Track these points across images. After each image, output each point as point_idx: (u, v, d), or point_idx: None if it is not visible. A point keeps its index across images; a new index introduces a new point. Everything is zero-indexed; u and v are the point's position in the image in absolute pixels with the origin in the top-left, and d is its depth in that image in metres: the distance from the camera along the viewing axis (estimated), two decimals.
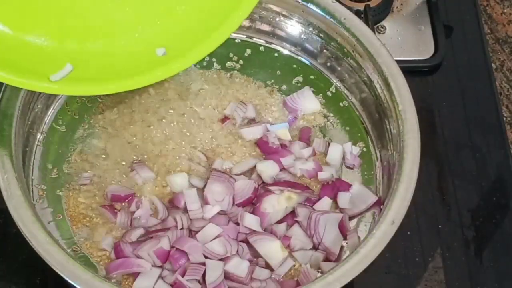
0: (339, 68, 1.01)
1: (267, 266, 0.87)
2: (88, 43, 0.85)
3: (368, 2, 1.10)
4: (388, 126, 0.93)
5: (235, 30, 0.84)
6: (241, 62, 1.03)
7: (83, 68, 0.84)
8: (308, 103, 0.99)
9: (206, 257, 0.86)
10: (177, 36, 0.85)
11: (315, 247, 0.89)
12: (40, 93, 0.94)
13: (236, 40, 1.04)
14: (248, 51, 1.03)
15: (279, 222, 0.90)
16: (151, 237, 0.87)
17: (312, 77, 1.02)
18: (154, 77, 0.83)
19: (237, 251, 0.87)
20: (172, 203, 0.90)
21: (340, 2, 0.98)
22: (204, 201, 0.90)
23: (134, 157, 0.94)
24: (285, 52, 1.03)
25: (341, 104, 1.00)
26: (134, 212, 0.90)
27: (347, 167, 0.95)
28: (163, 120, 0.97)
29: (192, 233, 0.88)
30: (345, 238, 0.89)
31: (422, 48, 1.10)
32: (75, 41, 0.85)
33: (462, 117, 1.06)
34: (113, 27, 0.86)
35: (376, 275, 0.93)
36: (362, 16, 1.07)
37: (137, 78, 0.83)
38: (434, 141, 1.04)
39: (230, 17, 0.83)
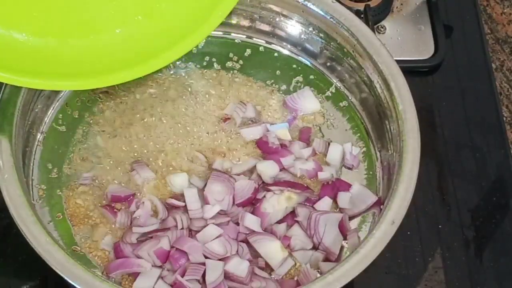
0: (339, 68, 1.01)
1: (267, 266, 0.87)
2: (69, 39, 0.85)
3: (368, 2, 1.10)
4: (388, 126, 0.93)
5: (217, 26, 0.84)
6: (241, 62, 1.03)
7: (66, 64, 0.84)
8: (308, 103, 0.99)
9: (206, 257, 0.86)
10: (159, 32, 0.86)
11: (315, 247, 0.89)
12: (40, 93, 0.94)
13: (236, 40, 1.04)
14: (248, 51, 1.03)
15: (279, 222, 0.90)
16: (151, 237, 0.87)
17: (312, 77, 1.02)
18: (135, 73, 0.84)
19: (237, 251, 0.87)
20: (172, 203, 0.90)
21: (340, 2, 0.98)
22: (204, 201, 0.90)
23: (134, 157, 0.94)
24: (285, 52, 1.03)
25: (341, 104, 1.00)
26: (134, 212, 0.90)
27: (346, 167, 0.95)
28: (163, 120, 0.97)
29: (192, 233, 0.88)
30: (345, 238, 0.89)
31: (422, 48, 1.10)
32: (56, 38, 0.85)
33: (462, 117, 1.06)
34: (95, 24, 0.86)
35: (376, 275, 0.93)
36: (362, 16, 1.07)
37: (118, 74, 0.84)
38: (434, 141, 1.04)
39: (212, 13, 0.84)
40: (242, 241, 0.88)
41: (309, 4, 0.98)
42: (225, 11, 0.84)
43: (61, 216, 0.90)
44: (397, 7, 1.14)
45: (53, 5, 0.85)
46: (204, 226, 0.88)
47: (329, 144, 0.96)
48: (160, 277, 0.85)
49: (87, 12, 0.86)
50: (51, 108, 0.96)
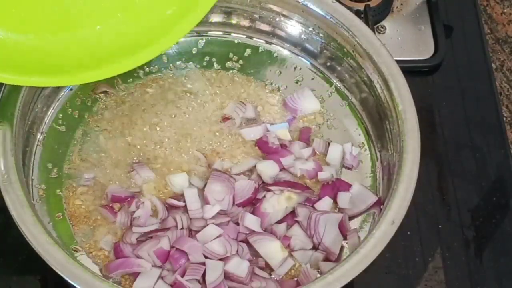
0: (339, 68, 1.01)
1: (267, 266, 0.87)
2: (49, 35, 0.85)
3: (368, 2, 1.10)
4: (388, 126, 0.93)
5: (197, 23, 0.84)
6: (241, 62, 1.03)
7: (47, 61, 0.84)
8: (308, 103, 0.99)
9: (206, 257, 0.86)
10: (138, 29, 0.86)
11: (315, 247, 0.89)
12: (40, 93, 0.94)
13: (236, 40, 1.04)
14: (248, 51, 1.03)
15: (279, 222, 0.90)
16: (151, 237, 0.87)
17: (312, 77, 1.02)
18: (116, 69, 0.84)
19: (237, 251, 0.87)
20: (172, 203, 0.90)
21: (340, 2, 0.98)
22: (204, 201, 0.90)
23: (134, 157, 0.94)
24: (285, 52, 1.03)
25: (341, 104, 1.00)
26: (134, 212, 0.90)
27: (345, 167, 0.95)
28: (163, 120, 0.97)
29: (192, 233, 0.88)
30: (345, 238, 0.89)
31: (422, 48, 1.10)
32: (35, 34, 0.85)
33: (462, 117, 1.06)
34: (74, 21, 0.86)
35: (376, 275, 0.93)
36: (362, 16, 1.07)
37: (98, 70, 0.84)
38: (434, 141, 1.04)
39: (191, 11, 0.84)
40: (242, 241, 0.88)
41: (309, 4, 0.98)
42: (204, 9, 0.84)
43: (61, 216, 0.90)
44: (397, 7, 1.14)
45: (30, 3, 0.85)
46: (204, 226, 0.88)
47: (329, 144, 0.96)
48: (160, 277, 0.85)
49: (66, 8, 0.86)
50: (51, 108, 0.96)
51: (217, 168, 0.93)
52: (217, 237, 0.87)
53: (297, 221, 0.90)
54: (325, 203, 0.91)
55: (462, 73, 1.10)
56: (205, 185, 0.91)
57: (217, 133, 0.97)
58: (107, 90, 0.99)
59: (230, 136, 0.97)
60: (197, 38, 1.03)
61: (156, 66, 1.01)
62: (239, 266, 0.85)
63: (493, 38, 1.21)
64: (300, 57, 1.03)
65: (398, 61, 0.93)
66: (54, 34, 0.85)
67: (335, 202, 0.92)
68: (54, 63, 0.85)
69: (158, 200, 0.90)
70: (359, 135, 0.98)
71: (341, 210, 0.92)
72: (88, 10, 0.86)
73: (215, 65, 1.02)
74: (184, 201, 0.90)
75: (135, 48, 0.85)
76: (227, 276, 0.85)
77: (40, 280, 0.91)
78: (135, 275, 0.85)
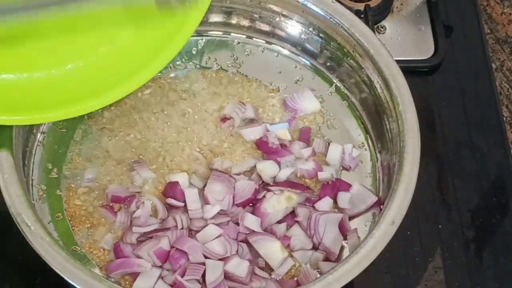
0: (339, 68, 1.01)
1: (267, 266, 0.87)
2: (32, 73, 0.86)
3: (368, 2, 1.10)
4: (388, 126, 0.93)
5: (176, 55, 0.87)
6: (241, 62, 1.03)
7: (30, 97, 0.86)
8: (308, 103, 0.99)
9: (206, 257, 0.86)
10: (121, 62, 0.87)
11: (315, 247, 0.89)
12: None
13: (236, 40, 1.04)
14: (248, 51, 1.03)
15: (279, 222, 0.90)
16: (151, 237, 0.87)
17: (312, 77, 1.02)
18: (99, 103, 0.86)
19: (237, 251, 0.87)
20: (172, 203, 0.90)
21: (340, 2, 0.99)
22: (204, 201, 0.90)
23: (134, 157, 0.94)
24: (285, 52, 1.03)
25: (341, 104, 1.00)
26: (134, 212, 0.90)
27: (343, 168, 0.95)
28: (163, 120, 0.97)
29: (192, 233, 0.88)
30: (345, 238, 0.89)
31: (422, 48, 1.10)
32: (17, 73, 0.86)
33: (462, 117, 1.06)
34: (55, 58, 0.87)
35: (376, 275, 0.93)
36: (362, 16, 1.07)
37: (82, 104, 0.85)
38: (434, 141, 1.04)
39: (170, 42, 0.86)
40: (242, 241, 0.88)
41: (309, 4, 0.98)
42: (184, 38, 0.86)
43: (61, 216, 0.90)
44: (397, 7, 1.14)
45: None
46: (204, 226, 0.88)
47: (329, 144, 0.96)
48: (160, 277, 0.85)
49: (47, 45, 0.86)
50: None
51: (217, 168, 0.93)
52: (217, 237, 0.87)
53: (297, 221, 0.90)
54: (325, 203, 0.91)
55: (462, 73, 1.10)
56: (205, 185, 0.91)
57: (217, 133, 0.97)
58: None
59: (230, 136, 0.97)
60: (197, 38, 1.03)
61: None
62: (239, 266, 0.85)
63: (493, 38, 1.21)
64: (300, 57, 1.03)
65: (398, 61, 0.93)
66: (35, 72, 0.86)
67: (335, 202, 0.92)
68: (36, 99, 0.86)
69: (158, 200, 0.90)
70: (359, 135, 0.98)
71: (341, 210, 0.92)
72: (70, 47, 0.87)
73: (215, 65, 1.02)
74: (184, 201, 0.90)
75: (119, 80, 0.86)
76: (227, 276, 0.85)
77: (40, 280, 0.91)
78: (135, 275, 0.85)
